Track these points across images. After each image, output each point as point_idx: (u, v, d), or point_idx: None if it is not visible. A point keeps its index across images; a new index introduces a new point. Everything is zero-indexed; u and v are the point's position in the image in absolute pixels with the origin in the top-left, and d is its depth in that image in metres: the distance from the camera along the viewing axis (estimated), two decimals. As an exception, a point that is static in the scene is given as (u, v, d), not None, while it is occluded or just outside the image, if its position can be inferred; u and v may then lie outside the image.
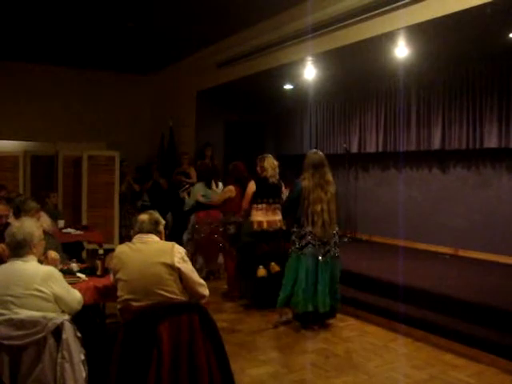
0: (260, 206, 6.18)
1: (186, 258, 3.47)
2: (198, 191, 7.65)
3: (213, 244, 7.36)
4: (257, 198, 6.20)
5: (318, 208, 5.36)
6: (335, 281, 5.54)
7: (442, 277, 6.34)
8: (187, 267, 3.42)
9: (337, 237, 5.57)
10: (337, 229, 5.57)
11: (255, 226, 6.13)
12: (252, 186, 6.28)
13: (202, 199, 7.52)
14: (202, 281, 3.53)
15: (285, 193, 6.69)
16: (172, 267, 3.33)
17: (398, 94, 8.56)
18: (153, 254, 3.38)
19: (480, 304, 5.13)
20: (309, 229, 5.38)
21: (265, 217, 6.15)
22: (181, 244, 3.65)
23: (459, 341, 4.85)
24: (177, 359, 3.04)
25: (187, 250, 7.34)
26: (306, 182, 5.44)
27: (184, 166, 9.98)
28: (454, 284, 5.91)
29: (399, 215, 8.44)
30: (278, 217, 6.22)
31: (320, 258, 5.39)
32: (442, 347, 4.94)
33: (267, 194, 6.19)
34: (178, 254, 3.40)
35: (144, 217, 3.60)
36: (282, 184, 6.42)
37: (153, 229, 3.56)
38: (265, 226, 6.12)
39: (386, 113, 8.92)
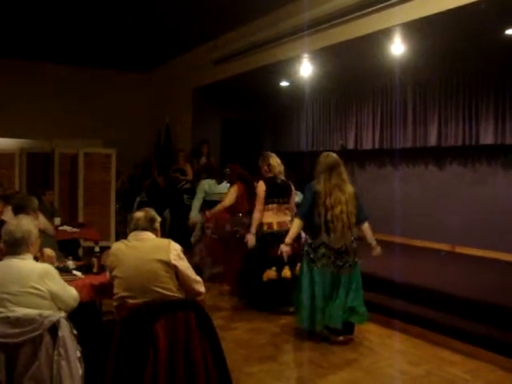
0: (270, 206, 5.95)
1: (182, 255, 3.46)
2: (204, 187, 7.60)
3: (221, 245, 7.28)
4: (267, 199, 5.94)
5: (338, 210, 4.97)
6: (356, 292, 5.06)
7: (439, 273, 6.36)
8: (183, 264, 3.42)
9: (355, 243, 5.11)
10: (355, 235, 5.11)
11: (265, 228, 5.91)
12: (262, 187, 5.96)
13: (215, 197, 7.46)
14: (198, 278, 3.52)
15: (296, 195, 6.44)
16: (168, 264, 3.33)
17: (394, 90, 8.58)
18: (148, 251, 3.37)
19: (477, 301, 5.13)
20: (323, 239, 4.97)
21: (275, 218, 5.94)
22: (181, 244, 3.62)
23: (456, 337, 4.86)
24: (173, 356, 3.04)
25: (196, 252, 7.36)
26: (321, 186, 5.05)
27: (180, 163, 9.96)
28: (450, 281, 5.92)
29: (395, 212, 8.43)
30: (288, 218, 5.97)
31: (337, 269, 4.99)
32: (439, 344, 4.94)
33: (277, 193, 5.98)
34: (174, 251, 3.39)
35: (139, 214, 3.60)
36: (291, 184, 6.20)
37: (148, 226, 3.55)
38: (275, 227, 5.91)
39: (382, 110, 8.93)
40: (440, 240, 8.06)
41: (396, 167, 8.97)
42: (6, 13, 7.71)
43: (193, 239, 7.59)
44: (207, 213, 7.07)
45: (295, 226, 5.18)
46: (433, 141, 8.06)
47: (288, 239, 5.16)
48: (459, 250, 7.77)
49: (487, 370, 4.40)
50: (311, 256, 5.02)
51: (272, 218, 5.95)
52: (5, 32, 8.71)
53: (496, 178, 7.52)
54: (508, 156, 7.35)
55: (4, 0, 7.13)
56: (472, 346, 4.70)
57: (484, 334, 4.71)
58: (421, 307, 5.43)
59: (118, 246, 3.51)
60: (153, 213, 3.65)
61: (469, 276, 6.31)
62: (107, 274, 3.65)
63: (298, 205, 5.76)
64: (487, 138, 7.32)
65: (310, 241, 5.08)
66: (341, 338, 5.02)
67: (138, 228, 3.53)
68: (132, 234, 3.55)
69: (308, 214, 5.05)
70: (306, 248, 5.12)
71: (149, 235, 3.52)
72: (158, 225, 3.65)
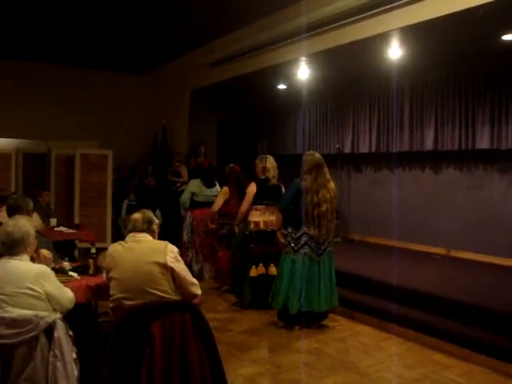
0: (258, 206, 6.22)
1: (179, 258, 3.46)
2: (192, 187, 7.66)
3: (207, 242, 7.38)
4: (256, 200, 6.22)
5: (324, 208, 5.36)
6: (333, 279, 5.55)
7: (434, 277, 6.37)
8: (180, 266, 3.41)
9: (332, 235, 5.61)
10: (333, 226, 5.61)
11: (252, 226, 6.16)
12: (253, 188, 6.23)
13: (198, 198, 7.56)
14: (194, 280, 3.52)
15: None
16: (165, 266, 3.32)
17: (391, 94, 8.58)
18: (145, 253, 3.37)
19: (471, 304, 5.15)
20: (305, 230, 5.37)
21: (262, 217, 6.20)
22: (175, 243, 3.62)
23: (450, 341, 4.88)
24: (169, 358, 3.04)
25: (189, 250, 7.44)
26: (308, 183, 5.39)
27: (176, 165, 9.97)
28: (445, 284, 5.94)
29: (392, 216, 8.45)
30: (275, 217, 6.21)
31: (317, 257, 5.41)
32: (434, 347, 4.96)
33: (267, 195, 6.22)
34: (170, 254, 3.38)
35: (137, 216, 3.59)
36: (282, 186, 6.39)
37: (145, 228, 3.54)
38: (261, 225, 6.17)
39: (379, 113, 8.94)
40: (435, 244, 8.08)
41: (392, 171, 8.99)
42: (2, 14, 7.70)
43: (185, 237, 7.64)
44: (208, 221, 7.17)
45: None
46: (429, 145, 8.08)
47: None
48: (454, 253, 7.80)
49: (481, 373, 4.43)
50: (292, 245, 5.42)
51: (259, 217, 6.22)
52: (1, 33, 8.70)
53: (492, 183, 7.54)
54: (504, 160, 7.38)
55: (1, 1, 7.12)
56: (467, 349, 4.72)
57: (479, 338, 4.73)
58: (416, 311, 5.45)
59: (114, 248, 3.50)
60: (150, 214, 3.65)
61: (464, 280, 6.33)
62: (104, 275, 3.65)
63: None
64: (483, 142, 7.33)
65: (291, 232, 5.47)
66: (296, 328, 5.50)
67: (135, 229, 3.52)
68: (129, 235, 3.54)
69: (287, 207, 5.52)
70: (288, 239, 5.50)
71: (146, 237, 3.52)
72: (155, 227, 3.64)
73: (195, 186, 7.69)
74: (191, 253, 7.55)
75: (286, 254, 5.51)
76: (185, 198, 7.74)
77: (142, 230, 3.52)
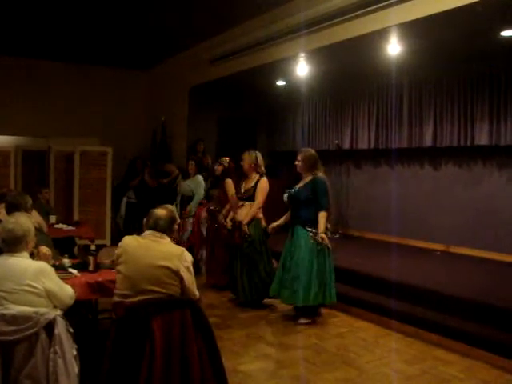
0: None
1: (191, 269, 3.38)
2: (203, 183, 8.00)
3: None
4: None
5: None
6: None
7: (433, 273, 6.38)
8: (189, 278, 3.35)
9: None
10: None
11: (264, 223, 6.17)
12: (267, 183, 6.16)
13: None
14: (197, 294, 3.44)
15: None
16: (176, 273, 3.27)
17: (390, 91, 8.59)
18: (160, 256, 3.29)
19: (470, 300, 5.16)
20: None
21: (261, 214, 6.23)
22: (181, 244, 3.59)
23: (450, 336, 4.89)
24: (169, 354, 3.05)
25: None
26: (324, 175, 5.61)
27: (163, 167, 10.01)
28: (444, 280, 5.95)
29: (391, 212, 8.47)
30: None
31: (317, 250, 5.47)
32: (433, 343, 4.98)
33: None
34: (184, 263, 3.32)
35: (161, 213, 3.46)
36: None
37: (167, 228, 3.44)
38: (264, 222, 6.20)
39: (378, 110, 8.94)
40: (435, 240, 8.09)
41: (392, 167, 8.99)
42: (2, 10, 7.69)
43: (205, 232, 7.65)
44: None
45: (325, 218, 5.47)
46: (428, 141, 8.08)
47: (322, 230, 5.45)
48: (453, 249, 7.81)
49: (481, 368, 4.44)
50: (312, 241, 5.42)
51: (261, 213, 6.21)
52: (1, 29, 8.69)
53: (491, 179, 7.55)
54: (503, 156, 7.38)
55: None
56: (466, 345, 4.74)
57: (478, 334, 4.74)
58: (416, 306, 5.46)
59: (129, 241, 3.42)
60: (174, 213, 3.53)
61: (463, 276, 6.34)
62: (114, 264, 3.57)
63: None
64: (482, 138, 7.34)
65: (314, 229, 5.43)
66: (314, 319, 5.62)
67: (157, 228, 3.41)
68: (149, 232, 3.43)
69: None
70: (310, 234, 5.46)
71: (165, 238, 3.42)
72: (176, 226, 3.54)
73: (203, 181, 7.93)
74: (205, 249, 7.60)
75: (323, 253, 5.48)
76: (203, 194, 7.99)
77: (164, 230, 3.42)
